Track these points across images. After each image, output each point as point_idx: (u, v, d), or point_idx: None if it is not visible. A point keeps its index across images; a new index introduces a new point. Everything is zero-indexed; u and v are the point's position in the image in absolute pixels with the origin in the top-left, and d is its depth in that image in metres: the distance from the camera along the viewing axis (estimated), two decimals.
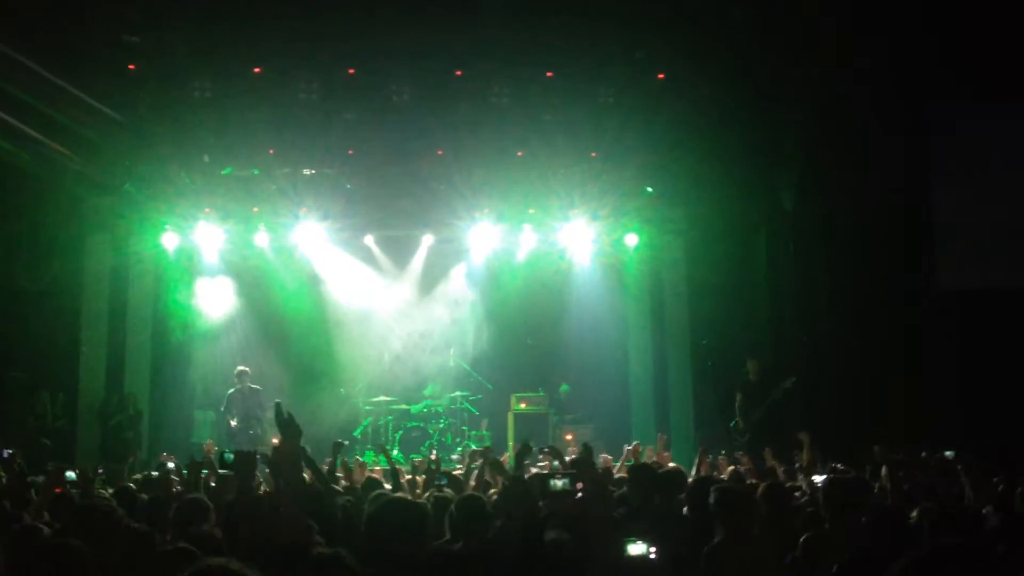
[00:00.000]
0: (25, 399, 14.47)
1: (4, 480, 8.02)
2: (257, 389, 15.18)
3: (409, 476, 9.33)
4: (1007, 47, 13.45)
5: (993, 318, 14.30)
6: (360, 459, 12.88)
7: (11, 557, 4.30)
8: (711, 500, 5.41)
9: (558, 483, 5.24)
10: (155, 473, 9.77)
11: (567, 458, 9.06)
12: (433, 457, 10.13)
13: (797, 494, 7.76)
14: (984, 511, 5.94)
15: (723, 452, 12.50)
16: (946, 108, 15.07)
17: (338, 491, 7.03)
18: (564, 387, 17.01)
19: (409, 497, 6.00)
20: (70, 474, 7.69)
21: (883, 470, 7.69)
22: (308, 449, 13.49)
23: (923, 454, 9.55)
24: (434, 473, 8.31)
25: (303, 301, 17.45)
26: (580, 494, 3.25)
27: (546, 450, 9.32)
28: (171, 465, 10.34)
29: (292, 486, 4.10)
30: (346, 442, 14.83)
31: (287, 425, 4.25)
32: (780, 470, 9.87)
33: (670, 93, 14.42)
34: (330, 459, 8.63)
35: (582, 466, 3.86)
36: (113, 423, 15.50)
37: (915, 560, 2.77)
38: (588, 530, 3.23)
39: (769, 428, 13.24)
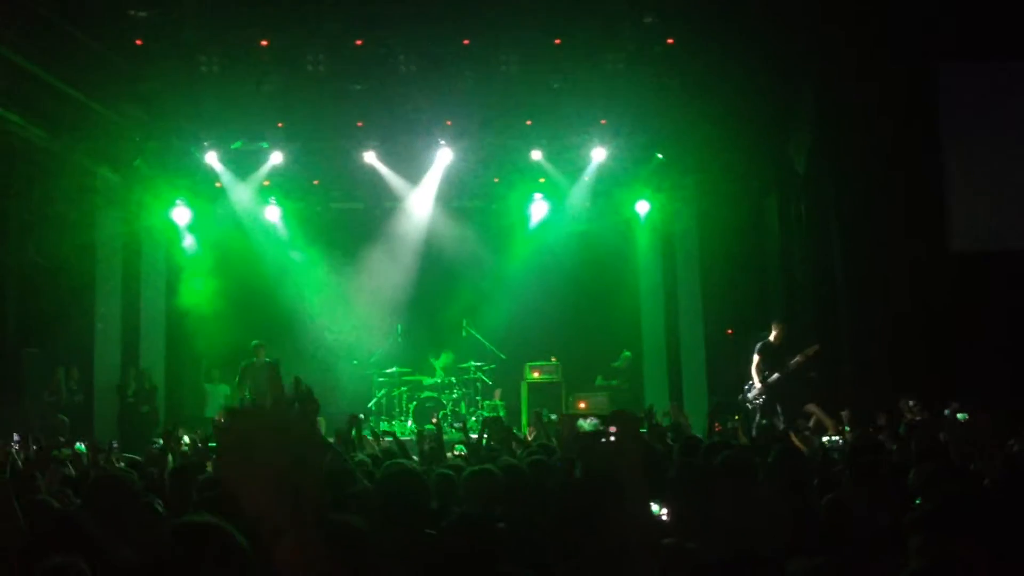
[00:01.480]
0: (41, 375, 14.55)
1: (20, 462, 8.08)
2: (272, 363, 15.22)
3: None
4: (1018, 3, 13.30)
5: (1007, 280, 14.22)
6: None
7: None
8: (720, 463, 5.42)
9: (585, 423, 5.25)
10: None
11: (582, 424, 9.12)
12: (434, 421, 10.15)
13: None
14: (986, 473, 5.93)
15: (736, 417, 12.51)
16: (958, 68, 14.92)
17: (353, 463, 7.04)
18: (626, 353, 16.78)
19: (416, 467, 6.02)
20: (80, 447, 7.74)
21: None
22: (323, 423, 13.62)
23: (945, 412, 9.54)
24: (438, 442, 8.35)
25: (314, 273, 17.48)
26: (612, 438, 3.24)
27: (549, 417, 9.33)
28: (186, 439, 10.43)
29: (311, 457, 4.11)
30: (362, 415, 14.93)
31: (306, 399, 4.26)
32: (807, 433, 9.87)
33: (680, 58, 14.30)
34: (345, 432, 8.65)
35: (618, 416, 3.86)
36: (130, 398, 15.62)
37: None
38: (618, 474, 3.22)
39: (784, 391, 13.18)
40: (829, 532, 4.73)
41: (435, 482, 5.07)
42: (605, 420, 4.57)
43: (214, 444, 8.12)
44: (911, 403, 10.70)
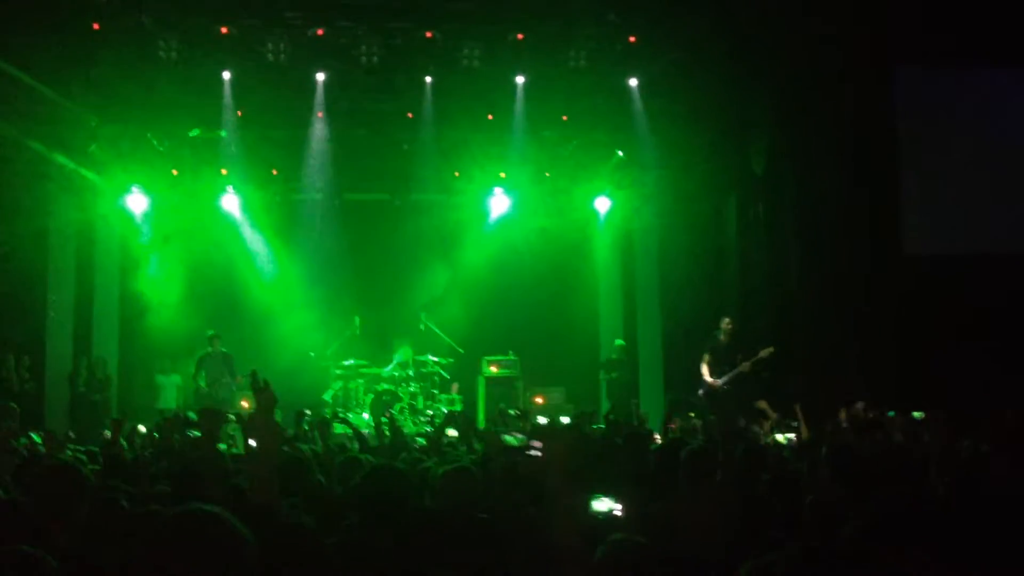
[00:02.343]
0: None
1: None
2: (228, 354, 15.09)
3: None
4: (976, 12, 13.49)
5: (961, 283, 14.43)
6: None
7: None
8: (681, 460, 5.44)
9: (510, 437, 5.27)
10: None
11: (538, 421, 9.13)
12: (388, 416, 10.14)
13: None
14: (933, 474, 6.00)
15: (692, 414, 12.59)
16: (916, 73, 15.13)
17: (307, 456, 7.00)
18: (619, 342, 16.64)
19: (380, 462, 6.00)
20: (35, 436, 7.64)
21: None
22: (279, 415, 13.47)
23: (890, 414, 9.65)
24: (394, 435, 8.34)
25: (271, 263, 17.34)
26: (538, 453, 3.26)
27: (514, 413, 9.36)
28: (142, 428, 10.33)
29: (267, 450, 4.08)
30: (308, 411, 14.83)
31: (263, 392, 4.22)
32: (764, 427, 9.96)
33: (642, 57, 14.37)
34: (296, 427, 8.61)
35: (544, 433, 3.88)
36: (81, 387, 15.42)
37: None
38: (545, 490, 3.26)
39: (737, 392, 13.32)
40: (812, 533, 4.76)
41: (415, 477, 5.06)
42: (531, 436, 4.58)
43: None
44: (860, 405, 10.82)
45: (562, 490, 3.20)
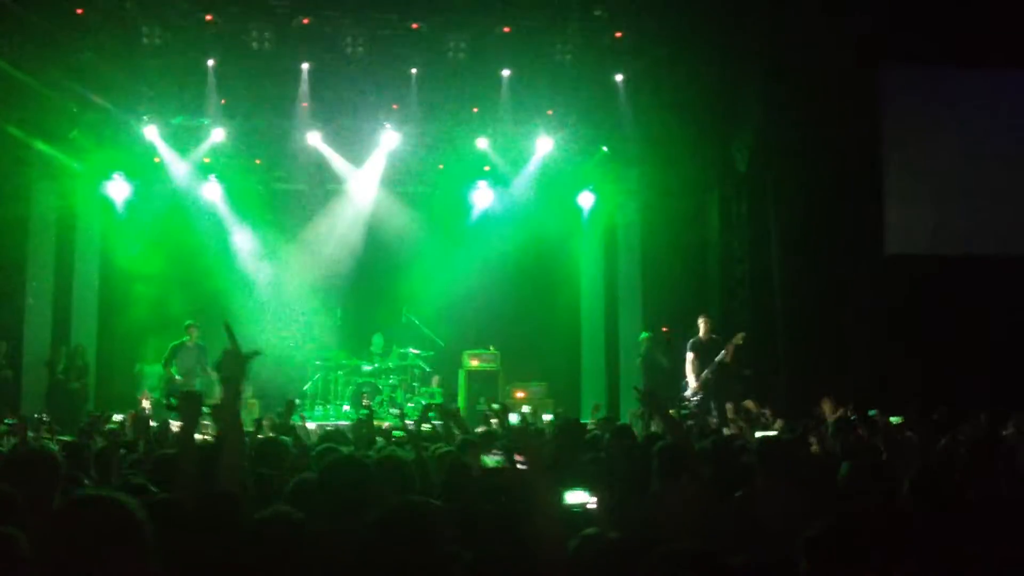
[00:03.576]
0: None
1: None
2: (203, 346, 14.98)
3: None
4: (962, 12, 13.55)
5: (942, 284, 14.52)
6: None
7: None
8: (654, 455, 5.45)
9: (489, 460, 5.24)
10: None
11: (516, 416, 9.12)
12: (365, 404, 10.10)
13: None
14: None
15: (672, 412, 12.59)
16: (901, 72, 15.18)
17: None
18: (644, 334, 16.16)
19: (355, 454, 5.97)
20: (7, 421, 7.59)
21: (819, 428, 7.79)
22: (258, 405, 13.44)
23: (871, 414, 9.67)
24: (368, 426, 8.32)
25: (253, 254, 17.25)
26: (521, 466, 3.24)
27: (495, 407, 9.32)
28: (117, 417, 10.26)
29: (232, 437, 4.06)
30: (298, 400, 14.78)
31: (229, 381, 4.17)
32: (742, 424, 9.97)
33: (627, 52, 14.37)
34: (281, 415, 8.55)
35: (521, 437, 3.87)
36: (59, 374, 15.32)
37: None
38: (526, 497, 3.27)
39: (719, 387, 13.36)
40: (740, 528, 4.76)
41: (375, 468, 5.02)
42: (509, 452, 4.56)
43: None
44: (834, 403, 10.85)
45: (544, 491, 3.20)
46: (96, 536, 2.29)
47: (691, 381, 13.62)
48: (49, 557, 2.29)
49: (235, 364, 4.19)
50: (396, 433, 9.59)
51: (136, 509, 2.37)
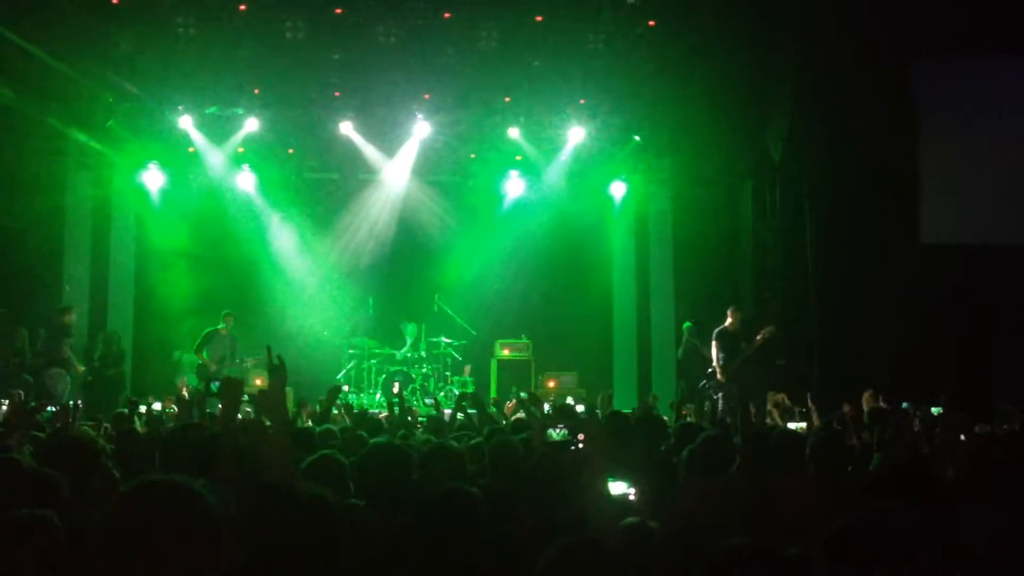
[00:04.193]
0: (8, 336, 14.39)
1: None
2: (235, 336, 15.07)
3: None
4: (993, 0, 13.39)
5: (978, 274, 14.36)
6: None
7: None
8: (694, 446, 5.45)
9: (555, 433, 5.26)
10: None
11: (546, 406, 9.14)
12: (396, 390, 10.17)
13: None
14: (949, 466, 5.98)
15: (705, 404, 12.58)
16: (937, 60, 15.00)
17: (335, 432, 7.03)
18: (687, 324, 16.29)
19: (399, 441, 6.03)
20: (50, 409, 7.69)
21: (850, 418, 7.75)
22: (293, 394, 13.56)
23: (904, 405, 9.60)
24: (401, 411, 8.37)
25: (287, 243, 17.37)
26: (580, 446, 3.26)
27: (522, 395, 9.36)
28: (157, 406, 10.37)
29: (279, 425, 4.10)
30: (345, 387, 14.87)
31: (276, 370, 4.24)
32: (775, 413, 9.94)
33: (661, 41, 14.29)
34: (324, 400, 8.63)
35: (586, 425, 3.90)
36: (96, 361, 15.49)
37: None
38: (582, 479, 3.29)
39: (743, 378, 13.28)
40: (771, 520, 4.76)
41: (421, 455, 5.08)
42: (573, 429, 4.59)
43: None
44: (870, 393, 10.77)
45: (599, 481, 3.23)
46: (166, 520, 2.29)
47: (716, 371, 13.57)
48: (116, 542, 2.29)
49: (279, 374, 4.25)
50: (422, 419, 9.68)
51: (205, 493, 2.37)
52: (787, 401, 11.40)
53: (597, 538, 2.95)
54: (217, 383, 5.70)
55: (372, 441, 5.64)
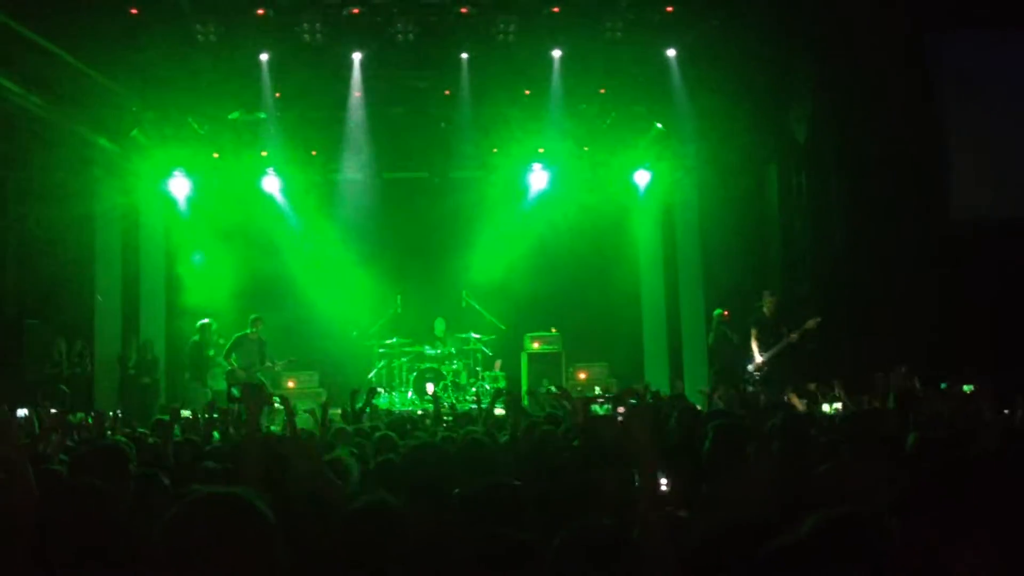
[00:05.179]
0: (42, 346, 14.57)
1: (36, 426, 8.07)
2: (264, 340, 15.11)
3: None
4: None
5: (1009, 249, 14.18)
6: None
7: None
8: (715, 433, 5.41)
9: (599, 408, 5.27)
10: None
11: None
12: (430, 391, 10.20)
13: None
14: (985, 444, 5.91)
15: (735, 388, 12.51)
16: (960, 36, 14.83)
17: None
18: (717, 311, 15.63)
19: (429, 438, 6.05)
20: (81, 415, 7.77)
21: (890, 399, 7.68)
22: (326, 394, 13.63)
23: (942, 386, 9.50)
24: (436, 414, 8.39)
25: (313, 244, 17.45)
26: (621, 419, 3.26)
27: (552, 389, 9.37)
28: (186, 413, 10.45)
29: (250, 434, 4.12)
30: (380, 389, 14.89)
31: (256, 389, 4.27)
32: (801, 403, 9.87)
33: (679, 26, 14.20)
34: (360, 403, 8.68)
35: (625, 397, 3.89)
36: (130, 369, 15.64)
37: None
38: (629, 460, 3.25)
39: (785, 365, 13.21)
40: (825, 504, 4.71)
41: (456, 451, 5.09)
42: (613, 402, 4.58)
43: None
44: (903, 370, 10.66)
45: (646, 456, 3.18)
46: (225, 533, 2.30)
47: (755, 356, 13.50)
48: (174, 555, 2.30)
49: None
50: (447, 418, 9.70)
51: (262, 505, 2.37)
52: (816, 389, 11.31)
53: (611, 524, 2.93)
54: (237, 388, 5.74)
55: (410, 442, 5.65)
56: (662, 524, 3.06)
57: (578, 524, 3.03)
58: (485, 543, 3.26)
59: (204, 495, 2.40)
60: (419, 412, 11.81)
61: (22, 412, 9.24)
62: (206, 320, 15.85)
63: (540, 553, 3.12)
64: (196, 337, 15.80)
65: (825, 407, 9.51)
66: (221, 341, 16.40)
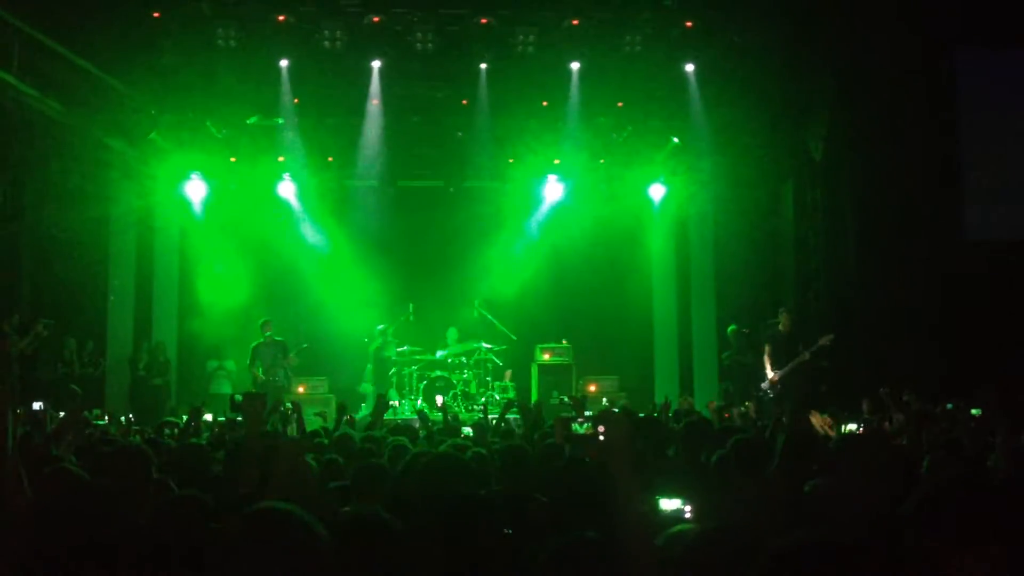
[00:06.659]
0: (54, 346, 14.61)
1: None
2: (281, 341, 15.16)
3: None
4: None
5: (1022, 268, 14.15)
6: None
7: (43, 497, 4.33)
8: (729, 450, 5.41)
9: (579, 428, 5.26)
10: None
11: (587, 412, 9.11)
12: (439, 403, 10.20)
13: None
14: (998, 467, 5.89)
15: (745, 404, 12.48)
16: (978, 55, 14.83)
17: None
18: (732, 327, 15.70)
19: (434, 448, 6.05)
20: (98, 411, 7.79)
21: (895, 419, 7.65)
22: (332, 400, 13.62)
23: (948, 406, 9.47)
24: (445, 424, 8.38)
25: (327, 251, 17.48)
26: (601, 438, 3.24)
27: (567, 400, 9.36)
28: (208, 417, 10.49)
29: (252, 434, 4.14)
30: (394, 402, 14.89)
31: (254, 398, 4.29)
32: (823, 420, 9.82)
33: (698, 42, 14.23)
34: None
35: (605, 417, 3.86)
36: (141, 371, 15.68)
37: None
38: (609, 477, 3.24)
39: (799, 382, 13.16)
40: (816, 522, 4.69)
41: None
42: (593, 422, 4.57)
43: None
44: (915, 396, 10.61)
45: (626, 476, 3.18)
46: (280, 550, 2.32)
47: (768, 372, 13.46)
48: (228, 570, 2.32)
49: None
50: (465, 430, 9.69)
51: (315, 522, 2.39)
52: (828, 421, 11.26)
53: (597, 537, 2.93)
54: (240, 396, 5.74)
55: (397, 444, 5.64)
56: (641, 527, 3.07)
57: (566, 535, 3.04)
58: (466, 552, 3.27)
59: (256, 511, 2.42)
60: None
61: (37, 405, 9.28)
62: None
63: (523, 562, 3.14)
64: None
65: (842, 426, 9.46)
66: (224, 348, 16.46)
